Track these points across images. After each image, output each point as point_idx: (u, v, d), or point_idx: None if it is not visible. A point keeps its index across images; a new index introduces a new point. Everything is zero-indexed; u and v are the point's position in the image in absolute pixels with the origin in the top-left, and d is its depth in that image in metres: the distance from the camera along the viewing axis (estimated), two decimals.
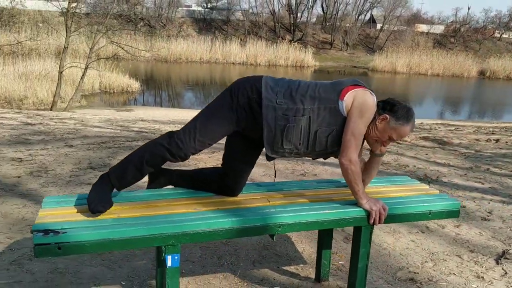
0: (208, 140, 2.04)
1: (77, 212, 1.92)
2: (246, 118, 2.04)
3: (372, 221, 2.06)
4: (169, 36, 39.48)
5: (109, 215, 1.91)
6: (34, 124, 7.79)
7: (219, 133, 2.05)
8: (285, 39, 41.38)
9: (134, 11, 41.03)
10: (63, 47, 14.78)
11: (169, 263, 1.84)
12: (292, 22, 46.16)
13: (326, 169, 4.84)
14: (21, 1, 38.91)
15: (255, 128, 2.06)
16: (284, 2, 47.99)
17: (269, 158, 2.14)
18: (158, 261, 2.17)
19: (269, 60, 36.43)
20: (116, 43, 16.60)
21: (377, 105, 2.12)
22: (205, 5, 49.08)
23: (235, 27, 45.10)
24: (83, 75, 14.54)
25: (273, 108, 2.00)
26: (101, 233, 1.74)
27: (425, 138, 6.78)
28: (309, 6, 47.77)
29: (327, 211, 2.02)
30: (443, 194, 2.34)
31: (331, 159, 5.24)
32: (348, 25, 45.93)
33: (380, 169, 4.88)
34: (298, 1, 46.27)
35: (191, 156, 5.10)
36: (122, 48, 17.05)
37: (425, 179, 4.53)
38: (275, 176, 2.38)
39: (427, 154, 5.69)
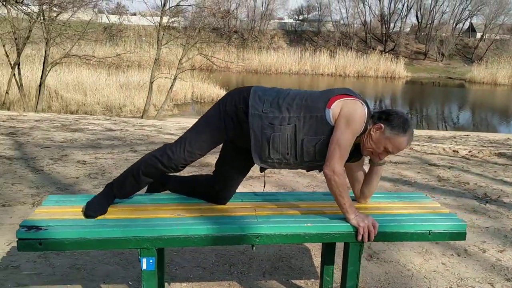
0: (197, 150, 2.06)
1: (70, 211, 2.05)
2: (234, 127, 2.05)
3: (360, 237, 1.95)
4: (260, 48, 40.38)
5: None
6: (114, 130, 8.35)
7: (208, 143, 2.07)
8: (376, 49, 40.35)
9: (227, 23, 42.52)
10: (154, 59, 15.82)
11: (144, 266, 1.88)
12: (384, 32, 44.91)
13: None
14: (127, 17, 42.39)
15: (242, 138, 2.05)
16: (377, 13, 46.97)
17: (261, 169, 2.12)
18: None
19: (359, 71, 35.77)
20: (203, 55, 17.38)
21: (373, 115, 2.02)
22: (296, 17, 49.57)
23: (325, 39, 44.89)
24: (171, 85, 15.38)
25: (259, 117, 1.98)
26: (79, 232, 1.84)
27: (500, 155, 6.21)
28: (402, 16, 46.30)
29: (310, 224, 1.95)
30: (452, 214, 2.14)
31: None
32: (444, 34, 43.62)
33: (436, 185, 4.57)
34: (391, 11, 44.99)
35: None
36: (209, 60, 17.81)
37: (483, 198, 4.16)
38: (264, 187, 2.35)
39: (495, 171, 5.22)
